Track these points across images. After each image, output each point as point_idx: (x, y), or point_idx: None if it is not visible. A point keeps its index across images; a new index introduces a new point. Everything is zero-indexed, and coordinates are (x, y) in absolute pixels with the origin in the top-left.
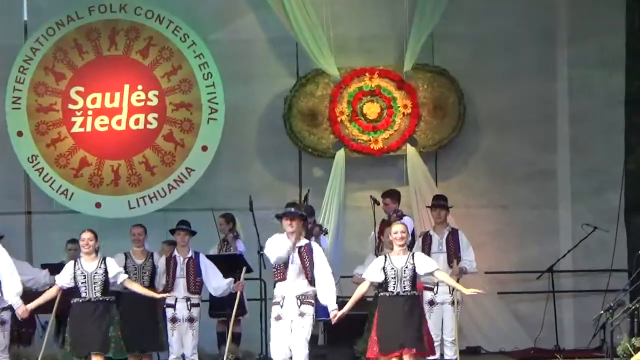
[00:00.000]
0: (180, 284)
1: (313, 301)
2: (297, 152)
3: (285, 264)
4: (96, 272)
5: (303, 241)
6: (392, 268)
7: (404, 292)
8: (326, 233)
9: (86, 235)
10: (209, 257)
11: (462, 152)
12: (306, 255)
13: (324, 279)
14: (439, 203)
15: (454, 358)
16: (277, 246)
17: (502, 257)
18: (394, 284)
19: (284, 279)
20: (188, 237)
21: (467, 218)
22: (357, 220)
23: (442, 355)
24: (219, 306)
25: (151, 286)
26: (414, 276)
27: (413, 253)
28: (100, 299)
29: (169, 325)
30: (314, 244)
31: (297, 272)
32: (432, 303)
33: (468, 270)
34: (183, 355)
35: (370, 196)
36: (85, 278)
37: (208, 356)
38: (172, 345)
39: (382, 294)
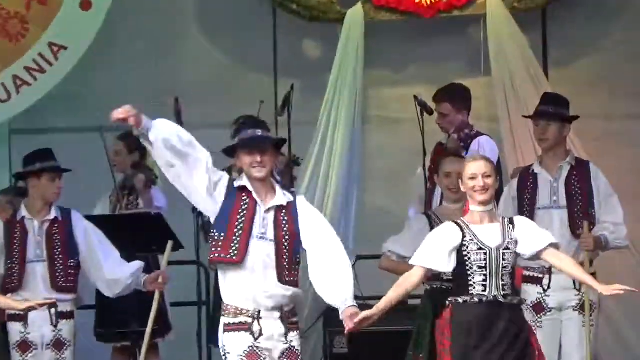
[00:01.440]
0: (37, 273)
1: (297, 318)
2: (271, 13)
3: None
4: None
5: (280, 197)
6: (481, 248)
7: (504, 296)
8: (297, 164)
9: None
10: (93, 219)
11: (594, 10)
12: (287, 223)
13: (330, 255)
14: (549, 110)
15: None
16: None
17: None
18: (484, 280)
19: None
20: (58, 184)
21: (607, 140)
22: (388, 144)
23: None
24: (117, 318)
25: None
26: (514, 264)
27: (509, 217)
28: None
29: (16, 355)
30: (300, 200)
31: (271, 256)
32: (539, 309)
33: (611, 242)
34: None
35: (415, 97)
36: None
37: None
38: None
39: (457, 299)
